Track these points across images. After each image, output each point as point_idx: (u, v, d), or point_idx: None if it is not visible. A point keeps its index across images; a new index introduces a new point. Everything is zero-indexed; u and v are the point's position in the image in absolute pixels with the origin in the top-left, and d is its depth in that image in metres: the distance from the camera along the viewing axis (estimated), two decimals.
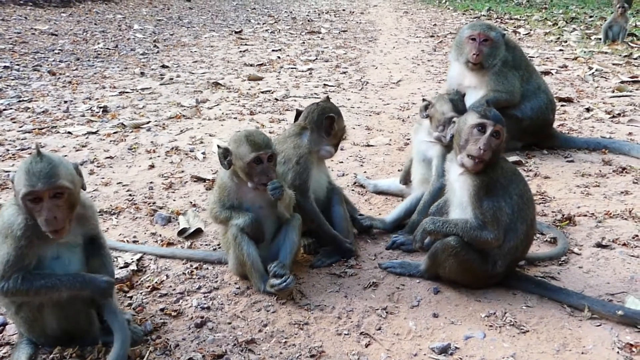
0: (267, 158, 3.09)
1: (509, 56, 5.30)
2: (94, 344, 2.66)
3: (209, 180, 4.79)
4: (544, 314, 2.98)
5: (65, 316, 2.57)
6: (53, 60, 9.78)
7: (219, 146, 3.17)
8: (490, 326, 2.88)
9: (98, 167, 5.10)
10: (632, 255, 3.54)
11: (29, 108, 6.85)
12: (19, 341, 2.67)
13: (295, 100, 7.63)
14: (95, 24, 14.48)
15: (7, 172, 4.83)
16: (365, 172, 5.02)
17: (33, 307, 2.51)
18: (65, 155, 5.30)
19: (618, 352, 2.67)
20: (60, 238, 2.44)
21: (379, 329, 2.89)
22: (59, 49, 10.78)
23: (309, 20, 18.38)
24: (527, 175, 4.79)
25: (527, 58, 5.64)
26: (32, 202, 2.33)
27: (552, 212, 4.17)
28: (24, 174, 2.32)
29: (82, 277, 2.52)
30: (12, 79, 8.27)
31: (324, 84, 8.69)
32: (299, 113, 3.72)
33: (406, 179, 4.26)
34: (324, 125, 3.58)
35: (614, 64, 9.88)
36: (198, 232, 3.93)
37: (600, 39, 12.58)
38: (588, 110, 6.90)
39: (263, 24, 17.02)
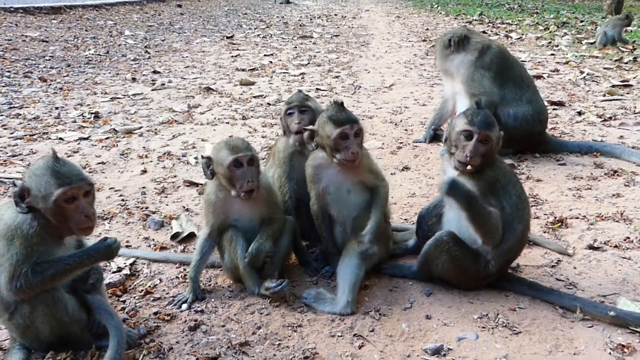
0: (247, 161, 3.02)
1: (471, 57, 5.34)
2: (88, 349, 2.66)
3: (201, 184, 4.78)
4: (536, 315, 2.98)
5: (57, 323, 2.57)
6: (44, 67, 9.76)
7: (202, 156, 3.12)
8: (483, 327, 2.89)
9: (90, 172, 5.08)
10: (623, 257, 3.56)
11: (20, 114, 6.82)
12: (12, 346, 2.65)
13: None
14: (86, 30, 14.46)
15: None
16: None
17: (25, 314, 2.50)
18: None
19: (610, 353, 2.68)
20: None
21: (372, 330, 2.89)
22: (50, 56, 10.76)
23: (300, 25, 18.44)
24: (519, 179, 4.81)
25: (511, 65, 5.46)
26: None
27: (544, 214, 4.19)
28: None
29: (85, 251, 2.55)
30: (3, 86, 8.24)
31: (317, 89, 8.70)
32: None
33: None
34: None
35: (605, 68, 9.96)
36: (191, 236, 3.92)
37: (592, 43, 12.70)
38: (580, 113, 6.94)
39: (255, 28, 17.06)
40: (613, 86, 8.43)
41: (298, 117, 3.45)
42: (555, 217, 4.10)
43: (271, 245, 3.14)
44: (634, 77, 9.01)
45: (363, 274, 3.17)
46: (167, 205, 4.45)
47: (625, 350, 2.69)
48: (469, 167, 2.97)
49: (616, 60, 10.71)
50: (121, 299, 3.18)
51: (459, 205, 2.98)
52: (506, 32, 15.96)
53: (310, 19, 20.83)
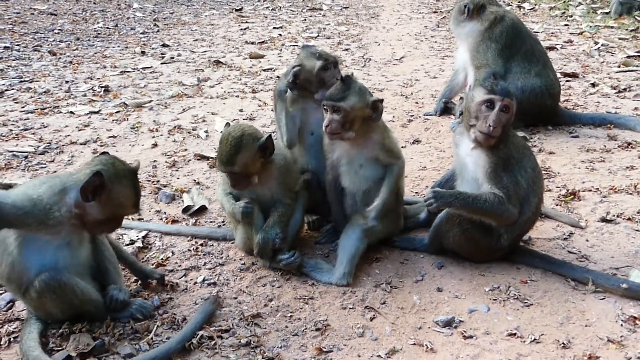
0: (228, 173, 3.06)
1: (481, 27, 5.29)
2: (103, 320, 2.69)
3: (212, 158, 4.79)
4: (548, 288, 2.99)
5: (68, 305, 2.59)
6: (53, 40, 9.73)
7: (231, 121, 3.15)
8: (494, 300, 2.90)
9: (101, 146, 5.09)
10: (636, 230, 3.54)
11: (30, 88, 6.83)
12: (29, 317, 2.69)
13: None
14: (94, 3, 14.34)
15: (11, 152, 4.84)
16: None
17: (35, 295, 2.52)
18: (68, 135, 5.31)
19: (622, 325, 2.69)
20: None
21: (384, 303, 2.91)
22: (59, 29, 10.71)
23: None
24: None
25: (523, 38, 5.35)
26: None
27: (557, 187, 4.16)
28: None
29: None
30: (13, 60, 8.23)
31: None
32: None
33: None
34: None
35: (620, 39, 9.76)
36: (202, 209, 3.94)
37: (607, 12, 12.42)
38: (593, 85, 6.83)
39: (263, 1, 16.84)
40: (628, 57, 8.26)
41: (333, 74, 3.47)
42: (567, 190, 4.07)
43: (278, 232, 3.13)
44: None
45: (364, 247, 3.19)
46: (178, 178, 4.46)
47: (637, 322, 2.70)
48: (488, 137, 2.94)
49: (632, 30, 10.48)
50: None
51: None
52: (519, 2, 15.65)
53: None
